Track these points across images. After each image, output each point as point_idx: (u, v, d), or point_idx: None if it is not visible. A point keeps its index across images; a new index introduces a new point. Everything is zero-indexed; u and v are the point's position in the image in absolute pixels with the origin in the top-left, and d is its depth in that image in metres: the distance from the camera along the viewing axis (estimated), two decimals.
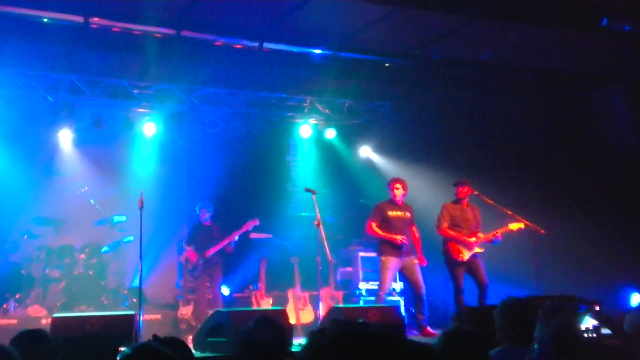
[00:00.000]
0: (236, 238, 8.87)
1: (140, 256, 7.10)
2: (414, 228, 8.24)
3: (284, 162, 11.46)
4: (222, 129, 10.09)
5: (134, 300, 8.88)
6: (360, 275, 9.66)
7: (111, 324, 5.56)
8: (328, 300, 9.07)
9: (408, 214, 8.20)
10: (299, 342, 6.25)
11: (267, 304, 9.34)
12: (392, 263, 7.92)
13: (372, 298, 8.61)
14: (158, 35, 7.87)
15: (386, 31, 8.21)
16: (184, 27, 7.79)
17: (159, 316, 8.99)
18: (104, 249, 9.36)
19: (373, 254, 9.14)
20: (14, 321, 8.14)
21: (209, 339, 5.97)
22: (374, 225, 8.09)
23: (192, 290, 9.25)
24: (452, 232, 8.02)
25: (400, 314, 7.11)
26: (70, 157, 10.18)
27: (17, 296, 8.69)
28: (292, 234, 10.34)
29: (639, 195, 9.30)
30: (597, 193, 9.55)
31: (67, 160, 10.22)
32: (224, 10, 7.68)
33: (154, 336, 2.63)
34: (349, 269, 10.01)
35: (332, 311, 6.60)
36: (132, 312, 6.12)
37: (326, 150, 11.16)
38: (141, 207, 7.11)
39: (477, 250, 7.98)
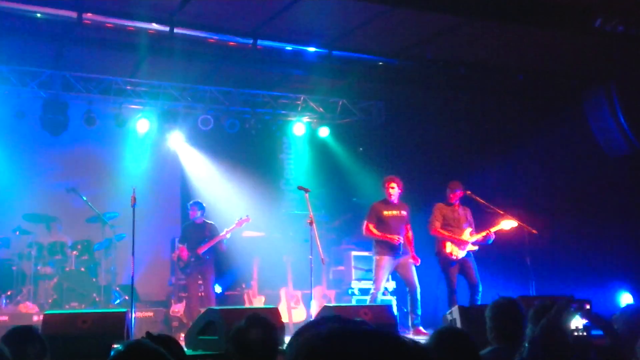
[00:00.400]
0: (228, 236, 8.86)
1: (133, 253, 7.09)
2: (407, 227, 8.22)
3: (277, 160, 11.46)
4: (215, 126, 10.08)
5: (126, 297, 8.87)
6: (353, 274, 9.67)
7: (103, 321, 5.54)
8: (320, 298, 9.08)
9: (404, 213, 8.15)
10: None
11: (259, 302, 9.34)
12: (386, 262, 7.91)
13: (365, 297, 8.61)
14: (151, 32, 7.85)
15: (380, 30, 8.22)
16: (178, 24, 7.77)
17: (151, 313, 8.97)
18: (96, 245, 9.33)
19: (366, 253, 9.16)
20: (5, 318, 8.11)
21: (200, 337, 5.96)
22: (370, 226, 8.04)
23: (184, 288, 9.25)
24: (444, 232, 8.03)
25: (393, 313, 7.11)
26: (62, 154, 10.14)
27: (8, 293, 8.67)
28: (285, 232, 10.33)
29: (629, 195, 9.36)
30: (587, 193, 9.59)
31: (59, 157, 10.18)
32: (217, 8, 7.67)
33: (147, 333, 2.63)
34: (342, 267, 10.03)
35: (324, 310, 6.61)
36: (124, 310, 6.11)
37: (319, 148, 11.17)
38: (133, 204, 7.10)
39: (470, 248, 8.00)
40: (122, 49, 8.64)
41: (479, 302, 7.77)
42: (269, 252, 9.92)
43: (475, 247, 8.05)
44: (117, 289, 9.31)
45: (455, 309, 6.20)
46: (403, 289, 8.33)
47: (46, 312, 5.81)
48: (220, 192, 10.46)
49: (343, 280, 9.89)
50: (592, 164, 9.60)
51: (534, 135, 10.03)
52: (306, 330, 1.21)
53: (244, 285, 9.76)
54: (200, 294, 8.84)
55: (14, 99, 9.21)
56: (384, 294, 8.36)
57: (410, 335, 7.59)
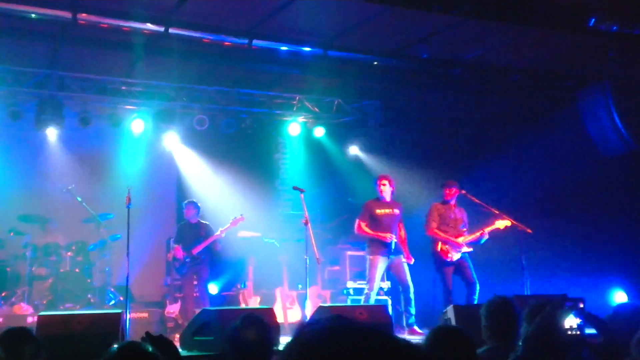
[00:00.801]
0: (223, 235, 8.85)
1: (128, 254, 7.07)
2: (400, 225, 8.22)
3: (273, 160, 11.45)
4: (210, 126, 10.06)
5: (121, 298, 8.85)
6: (348, 274, 9.67)
7: (98, 322, 5.53)
8: (315, 299, 9.07)
9: (397, 211, 8.15)
10: (286, 340, 6.25)
11: (254, 302, 9.34)
12: (380, 262, 7.91)
13: (360, 297, 8.62)
14: (147, 32, 7.83)
15: (375, 30, 8.22)
16: (173, 24, 7.76)
17: (146, 314, 8.94)
18: (91, 246, 9.31)
19: (361, 253, 9.15)
20: None
21: (195, 338, 5.96)
22: (363, 225, 8.06)
23: (179, 289, 9.24)
24: (440, 233, 8.04)
25: (388, 313, 7.12)
26: (57, 154, 10.11)
27: (2, 294, 8.63)
28: (280, 232, 10.33)
29: (624, 194, 9.40)
30: (582, 192, 9.62)
31: (53, 157, 10.14)
32: (213, 8, 7.66)
33: (147, 333, 2.63)
34: (337, 267, 10.03)
35: (319, 310, 6.61)
36: (119, 311, 6.10)
37: (315, 148, 11.16)
38: (128, 204, 7.08)
39: (465, 250, 8.01)
40: (118, 49, 8.62)
41: (475, 302, 7.78)
42: (264, 252, 9.92)
43: (471, 249, 8.06)
44: (112, 289, 9.28)
45: (450, 309, 6.21)
46: (397, 288, 8.34)
47: (41, 314, 5.78)
48: (216, 192, 10.44)
49: (338, 280, 9.89)
50: (587, 163, 9.63)
51: (529, 134, 10.05)
52: (302, 330, 1.21)
53: (239, 286, 9.75)
54: (195, 294, 8.83)
55: (9, 99, 9.18)
56: (378, 293, 8.36)
57: (405, 335, 7.59)
